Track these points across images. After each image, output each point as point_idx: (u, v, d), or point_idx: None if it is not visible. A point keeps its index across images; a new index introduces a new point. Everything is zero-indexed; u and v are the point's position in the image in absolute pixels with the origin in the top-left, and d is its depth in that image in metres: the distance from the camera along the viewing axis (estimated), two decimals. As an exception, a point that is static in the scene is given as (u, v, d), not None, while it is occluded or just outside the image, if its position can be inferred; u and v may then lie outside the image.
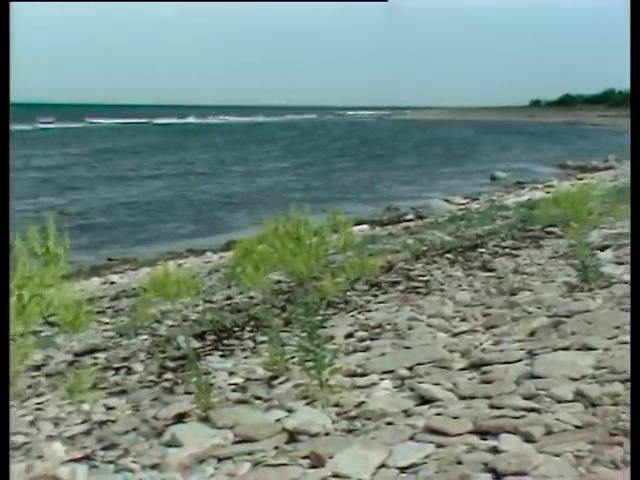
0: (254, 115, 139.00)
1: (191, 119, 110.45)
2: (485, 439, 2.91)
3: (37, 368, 5.92)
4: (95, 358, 6.25)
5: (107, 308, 8.83)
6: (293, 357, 5.01)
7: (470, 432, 2.98)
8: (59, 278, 2.26)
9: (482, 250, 8.86)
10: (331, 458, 2.95)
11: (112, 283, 12.19)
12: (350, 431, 3.41)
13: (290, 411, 3.81)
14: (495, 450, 2.75)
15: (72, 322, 2.36)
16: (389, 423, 3.34)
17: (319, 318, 4.28)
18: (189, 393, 4.63)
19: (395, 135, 71.41)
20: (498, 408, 3.20)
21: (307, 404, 3.90)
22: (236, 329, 6.57)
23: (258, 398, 4.28)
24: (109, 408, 4.72)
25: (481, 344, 4.63)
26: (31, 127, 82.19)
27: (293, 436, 3.47)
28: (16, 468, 3.47)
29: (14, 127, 77.25)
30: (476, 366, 4.04)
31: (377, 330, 5.67)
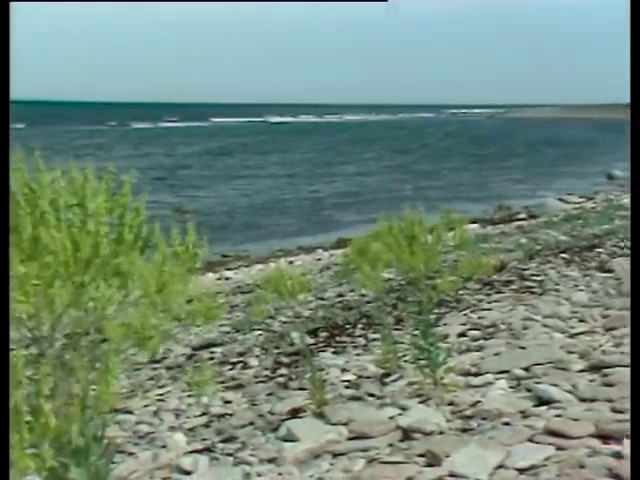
0: (366, 113, 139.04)
1: (302, 118, 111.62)
2: (608, 443, 2.82)
3: (158, 360, 6.12)
4: (212, 352, 6.40)
5: (223, 304, 9.06)
6: (405, 355, 4.99)
7: (591, 435, 2.90)
8: (190, 272, 2.34)
9: (599, 250, 8.58)
10: (447, 457, 2.93)
11: (227, 279, 12.47)
12: (465, 430, 3.38)
13: (404, 409, 3.80)
14: (619, 455, 2.67)
15: (205, 314, 2.43)
16: (506, 423, 3.29)
17: (433, 316, 4.25)
18: (303, 389, 4.69)
19: (507, 133, 70.07)
20: (620, 412, 3.10)
21: (421, 402, 3.88)
22: (348, 326, 6.59)
23: (371, 395, 4.29)
24: (226, 402, 4.83)
25: (601, 346, 4.49)
26: (152, 125, 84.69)
27: (407, 434, 3.46)
28: (142, 456, 3.60)
29: (137, 125, 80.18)
30: (596, 368, 3.92)
31: (491, 329, 5.58)
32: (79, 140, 55.96)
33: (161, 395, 5.15)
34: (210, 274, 13.04)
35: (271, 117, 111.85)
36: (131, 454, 3.87)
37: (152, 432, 4.36)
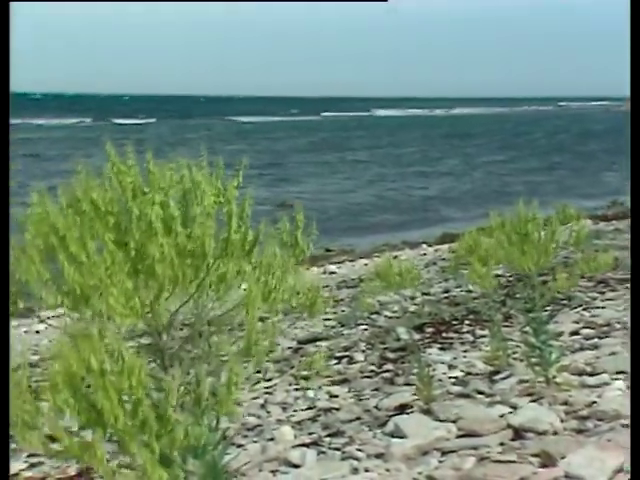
0: (474, 106, 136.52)
1: (410, 111, 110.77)
2: None
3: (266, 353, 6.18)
4: (317, 346, 6.43)
5: (327, 298, 9.07)
6: (514, 352, 4.88)
7: None
8: (296, 265, 2.34)
9: None
10: (563, 458, 2.83)
11: (331, 273, 12.50)
12: (580, 431, 3.27)
13: (514, 407, 3.71)
14: None
15: (310, 307, 2.43)
16: (625, 425, 3.16)
17: (546, 314, 4.14)
18: (410, 385, 4.64)
19: (623, 127, 67.62)
20: None
21: (532, 401, 3.78)
22: (455, 322, 6.50)
23: (480, 393, 4.21)
24: (332, 396, 4.83)
25: None
26: (264, 119, 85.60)
27: (519, 433, 3.37)
28: (252, 448, 3.64)
29: (253, 119, 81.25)
30: None
31: (605, 328, 5.39)
32: (201, 132, 57.34)
33: (268, 388, 5.20)
34: (314, 268, 13.09)
35: (377, 110, 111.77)
36: (240, 446, 3.92)
37: (260, 425, 4.41)
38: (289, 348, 6.43)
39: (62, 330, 2.04)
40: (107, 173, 2.19)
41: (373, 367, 5.48)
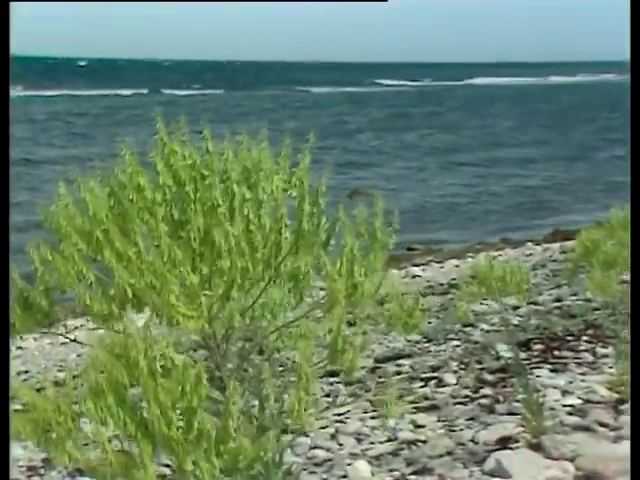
0: (598, 73, 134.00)
1: (514, 80, 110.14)
2: None
3: (335, 373, 6.19)
4: (399, 366, 6.42)
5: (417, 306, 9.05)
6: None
7: None
8: (382, 265, 2.34)
9: None
10: None
11: (414, 277, 12.46)
12: None
13: (647, 444, 3.64)
14: None
15: (406, 319, 2.42)
16: None
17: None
18: (513, 414, 4.60)
19: None
20: None
21: (669, 437, 3.70)
22: (570, 338, 6.41)
23: (603, 425, 4.15)
24: (418, 426, 4.82)
25: None
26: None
27: (652, 476, 3.31)
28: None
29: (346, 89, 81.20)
30: None
31: None
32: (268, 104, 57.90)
33: (340, 415, 5.21)
34: (394, 271, 13.00)
35: (476, 79, 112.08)
36: (307, 484, 3.95)
37: (330, 459, 4.42)
38: (364, 368, 6.43)
39: (97, 341, 2.07)
40: (154, 155, 2.22)
41: (468, 391, 5.45)
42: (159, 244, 2.14)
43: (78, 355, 8.17)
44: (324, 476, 4.07)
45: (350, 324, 2.39)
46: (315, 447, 4.63)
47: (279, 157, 2.35)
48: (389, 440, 4.63)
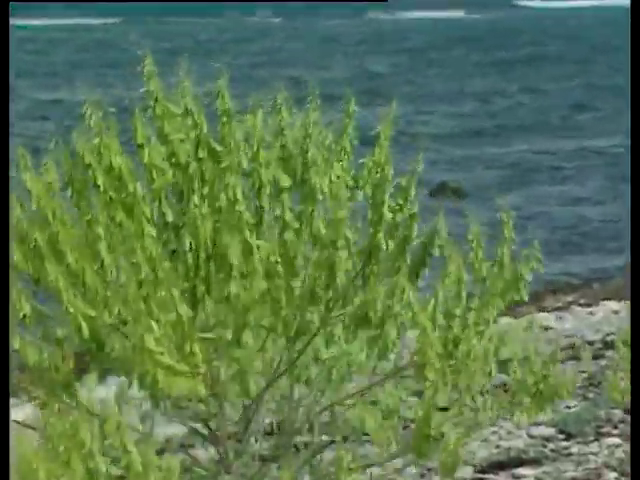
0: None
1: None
2: None
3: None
4: (517, 478, 5.00)
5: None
6: None
7: None
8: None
9: None
10: None
11: (545, 329, 8.78)
12: None
13: None
14: None
15: (531, 399, 1.78)
16: None
17: None
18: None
19: None
20: None
21: None
22: None
23: None
24: None
25: None
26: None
27: None
28: None
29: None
30: None
31: None
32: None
33: None
34: (507, 319, 9.66)
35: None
36: None
37: None
38: None
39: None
40: (136, 118, 1.57)
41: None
42: (137, 258, 1.40)
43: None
44: None
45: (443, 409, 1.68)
46: None
47: (341, 135, 1.62)
48: None
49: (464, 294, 1.67)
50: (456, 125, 27.26)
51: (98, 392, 1.84)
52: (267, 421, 1.80)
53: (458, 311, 1.63)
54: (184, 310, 1.49)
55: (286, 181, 1.64)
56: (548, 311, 9.93)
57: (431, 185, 16.01)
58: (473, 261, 1.83)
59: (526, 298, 1.89)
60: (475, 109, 30.59)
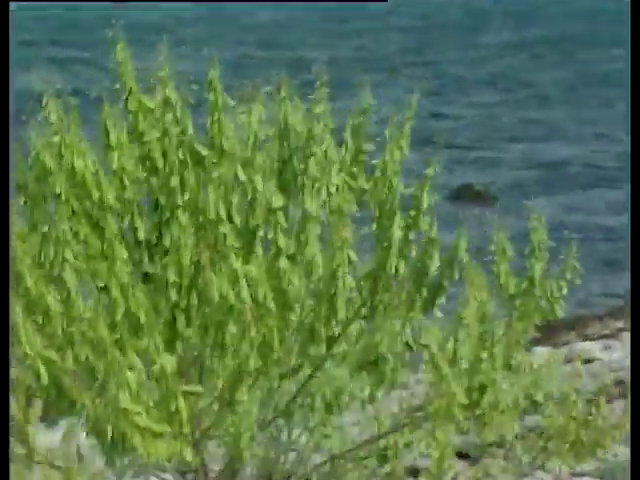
0: None
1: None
2: None
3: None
4: None
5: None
6: None
7: None
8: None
9: None
10: None
11: (588, 362, 7.98)
12: None
13: None
14: None
15: (571, 446, 1.53)
16: None
17: None
18: None
19: None
20: None
21: None
22: None
23: None
24: None
25: None
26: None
27: None
28: None
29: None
30: None
31: None
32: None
33: None
34: (541, 348, 7.89)
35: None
36: None
37: None
38: None
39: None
40: (105, 115, 1.36)
41: None
42: (107, 285, 1.19)
43: None
44: None
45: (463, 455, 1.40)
46: None
47: (343, 146, 1.40)
48: None
49: (490, 328, 1.36)
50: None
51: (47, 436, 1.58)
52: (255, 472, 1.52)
53: (484, 354, 1.33)
54: (168, 360, 1.22)
55: (279, 201, 1.36)
56: (593, 339, 8.70)
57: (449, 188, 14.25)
58: (498, 276, 1.52)
59: (560, 314, 1.61)
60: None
